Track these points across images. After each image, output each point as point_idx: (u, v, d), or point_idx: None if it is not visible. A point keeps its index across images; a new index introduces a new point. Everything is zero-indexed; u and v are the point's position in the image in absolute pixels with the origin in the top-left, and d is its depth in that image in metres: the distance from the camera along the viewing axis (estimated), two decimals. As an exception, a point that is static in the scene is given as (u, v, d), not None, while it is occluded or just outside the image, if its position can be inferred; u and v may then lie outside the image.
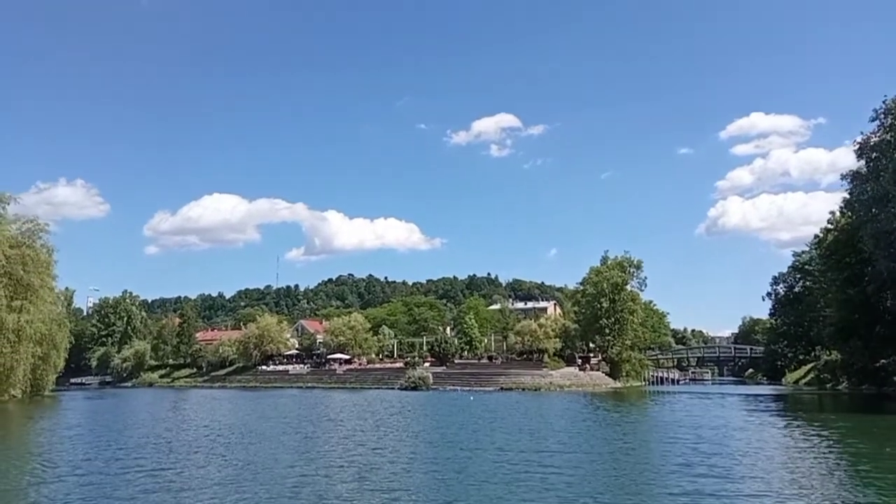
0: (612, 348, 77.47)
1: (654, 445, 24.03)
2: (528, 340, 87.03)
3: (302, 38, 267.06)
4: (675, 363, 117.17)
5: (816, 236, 68.01)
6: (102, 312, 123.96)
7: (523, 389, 65.98)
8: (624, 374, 78.83)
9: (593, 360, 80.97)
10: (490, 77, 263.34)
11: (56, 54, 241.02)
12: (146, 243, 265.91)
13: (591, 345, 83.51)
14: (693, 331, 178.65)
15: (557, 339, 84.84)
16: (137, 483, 16.29)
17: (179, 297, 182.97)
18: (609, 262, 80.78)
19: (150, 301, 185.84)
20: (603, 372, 77.39)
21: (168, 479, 16.89)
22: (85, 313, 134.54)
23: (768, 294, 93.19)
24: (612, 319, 76.68)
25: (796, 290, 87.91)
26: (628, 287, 79.39)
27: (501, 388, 67.28)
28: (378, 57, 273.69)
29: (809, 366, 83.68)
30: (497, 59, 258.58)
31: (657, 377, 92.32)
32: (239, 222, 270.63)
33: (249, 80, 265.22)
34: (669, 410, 41.80)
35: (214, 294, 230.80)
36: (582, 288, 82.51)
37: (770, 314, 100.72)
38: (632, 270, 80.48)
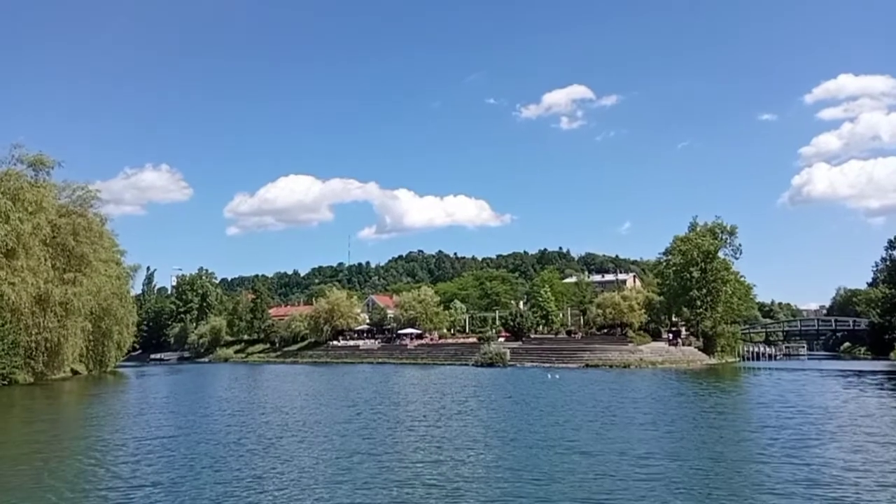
0: (704, 321, 71.34)
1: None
2: (611, 314, 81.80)
3: (371, 19, 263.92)
4: (764, 337, 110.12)
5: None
6: (180, 290, 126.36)
7: (610, 367, 61.09)
8: (718, 349, 72.55)
9: (683, 335, 74.98)
10: (561, 48, 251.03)
11: (138, 47, 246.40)
12: (227, 224, 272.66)
13: (675, 318, 77.37)
14: (780, 304, 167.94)
15: (643, 312, 79.27)
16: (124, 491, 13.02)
17: (257, 276, 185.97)
18: (698, 229, 74.24)
19: (229, 279, 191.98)
20: (695, 347, 71.33)
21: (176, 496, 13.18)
22: (169, 292, 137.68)
23: (882, 259, 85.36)
24: (704, 290, 70.37)
25: (914, 254, 79.46)
26: (720, 255, 72.78)
27: (586, 365, 62.62)
28: (447, 33, 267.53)
29: (926, 338, 75.27)
30: (568, 29, 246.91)
31: (753, 352, 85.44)
32: (313, 202, 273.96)
33: (321, 63, 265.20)
34: (816, 392, 35.88)
35: (290, 272, 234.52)
36: (667, 258, 76.34)
37: (873, 283, 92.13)
38: (724, 237, 73.69)
